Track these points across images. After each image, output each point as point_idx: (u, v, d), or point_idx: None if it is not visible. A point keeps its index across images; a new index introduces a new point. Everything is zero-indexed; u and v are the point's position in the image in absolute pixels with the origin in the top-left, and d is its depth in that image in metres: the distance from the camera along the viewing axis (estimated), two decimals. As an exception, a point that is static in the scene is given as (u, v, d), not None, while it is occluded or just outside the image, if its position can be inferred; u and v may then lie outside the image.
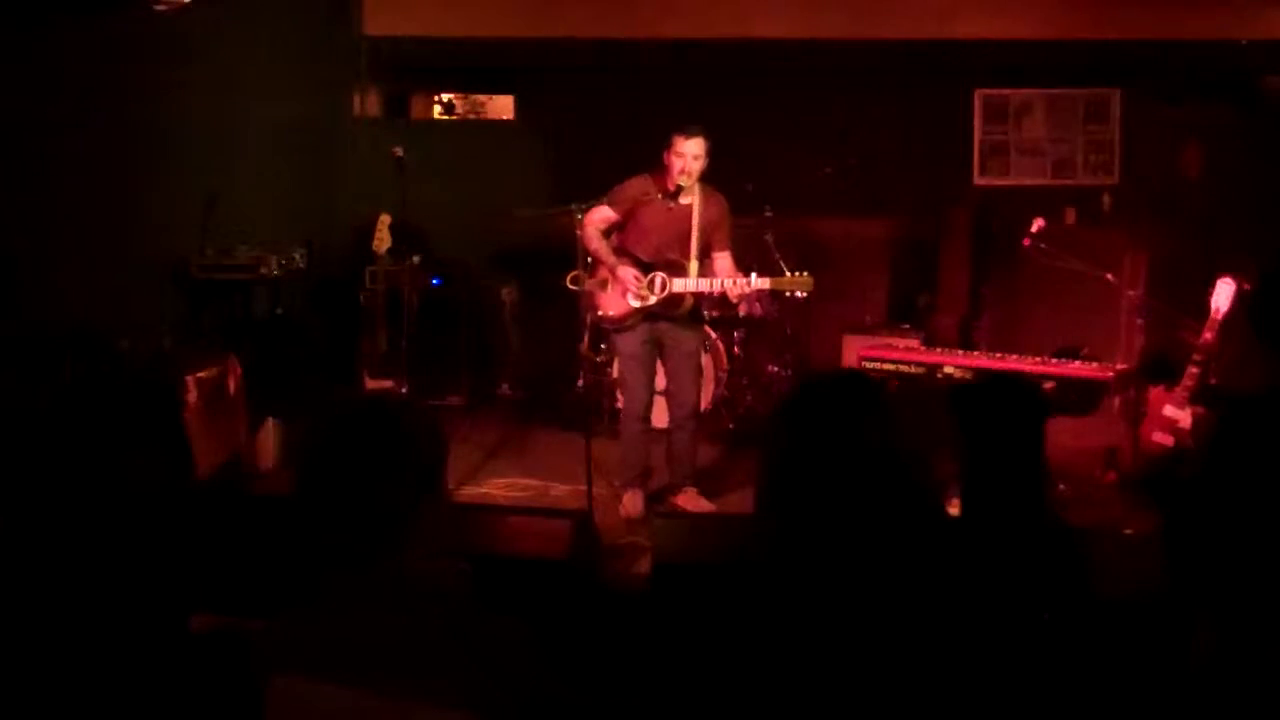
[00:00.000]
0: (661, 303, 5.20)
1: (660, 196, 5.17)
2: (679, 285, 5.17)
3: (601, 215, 5.22)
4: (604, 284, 5.28)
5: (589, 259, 5.21)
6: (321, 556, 1.81)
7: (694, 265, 5.18)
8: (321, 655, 1.75)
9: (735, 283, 5.11)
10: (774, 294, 6.94)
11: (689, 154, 5.05)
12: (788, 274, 5.16)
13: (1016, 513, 1.83)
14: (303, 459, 1.85)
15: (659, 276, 5.18)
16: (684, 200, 5.17)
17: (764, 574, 1.75)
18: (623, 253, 5.26)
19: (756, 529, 1.79)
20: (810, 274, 5.13)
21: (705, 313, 5.85)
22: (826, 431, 1.73)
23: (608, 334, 5.54)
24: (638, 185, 5.22)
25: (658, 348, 5.35)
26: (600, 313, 5.33)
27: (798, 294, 5.16)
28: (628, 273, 5.18)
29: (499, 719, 1.70)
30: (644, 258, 5.22)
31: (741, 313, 6.99)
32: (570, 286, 5.21)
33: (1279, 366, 2.41)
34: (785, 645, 1.67)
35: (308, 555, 1.81)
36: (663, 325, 5.29)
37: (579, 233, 5.07)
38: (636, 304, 5.21)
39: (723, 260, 5.24)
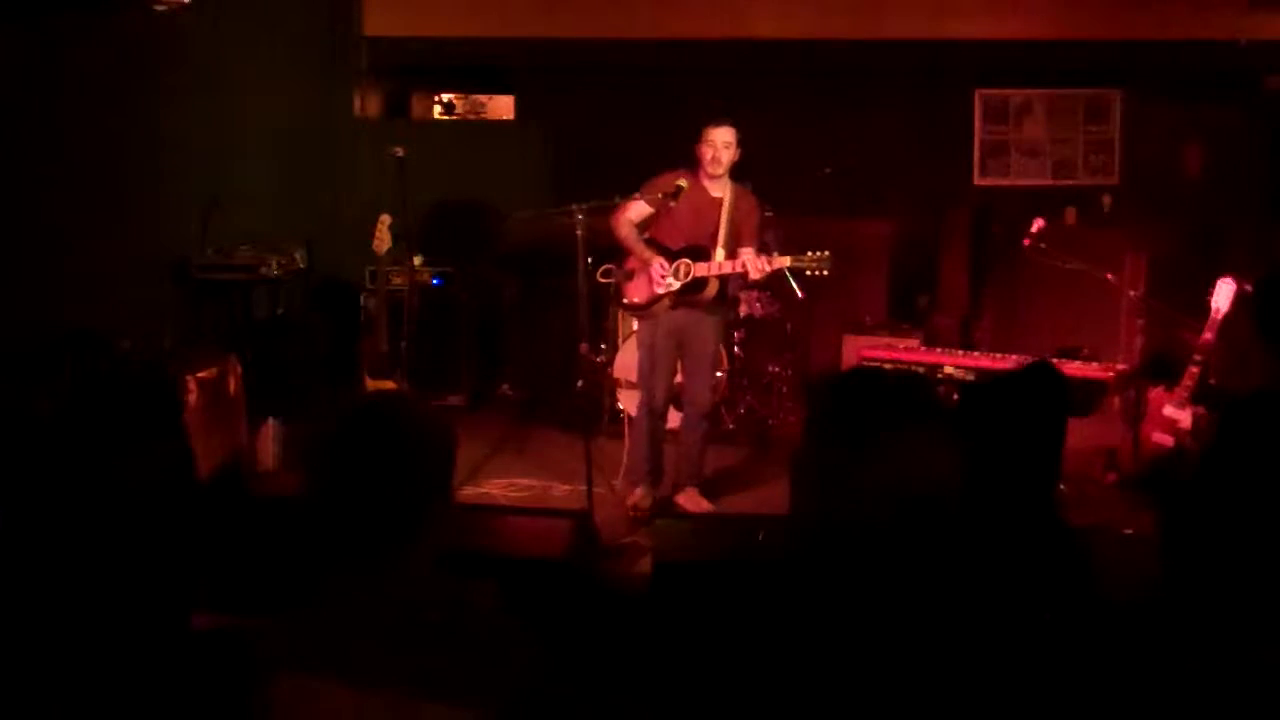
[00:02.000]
0: (685, 287, 5.23)
1: (665, 196, 5.19)
2: (702, 269, 5.21)
3: (636, 208, 5.28)
4: (630, 274, 5.36)
5: (588, 260, 5.22)
6: (328, 555, 1.81)
7: (720, 253, 5.22)
8: (327, 653, 1.75)
9: (756, 260, 5.14)
10: (775, 293, 7.00)
11: (718, 141, 5.13)
12: (807, 254, 5.17)
13: (1025, 508, 1.82)
14: (313, 457, 1.85)
15: (683, 263, 5.22)
16: (715, 194, 5.23)
17: (794, 573, 1.75)
18: (653, 244, 5.30)
19: (792, 528, 1.78)
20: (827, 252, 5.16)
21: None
22: (879, 434, 1.73)
23: (630, 319, 5.63)
24: (671, 179, 5.24)
25: (678, 342, 5.36)
26: (626, 300, 5.42)
27: (817, 272, 5.17)
28: (654, 261, 5.24)
29: (504, 719, 1.70)
30: (674, 249, 5.26)
31: (742, 313, 6.99)
32: (601, 279, 5.28)
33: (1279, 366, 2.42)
34: (806, 644, 1.67)
35: (311, 554, 1.81)
36: (685, 319, 5.30)
37: (610, 221, 5.18)
38: (660, 290, 5.25)
39: (748, 254, 5.27)
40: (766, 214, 6.94)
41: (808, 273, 5.22)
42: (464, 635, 1.74)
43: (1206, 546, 2.19)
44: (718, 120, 5.17)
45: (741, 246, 5.27)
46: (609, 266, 5.30)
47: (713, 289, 5.27)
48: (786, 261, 5.16)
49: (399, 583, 1.79)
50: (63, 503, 2.13)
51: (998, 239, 7.77)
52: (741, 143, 5.20)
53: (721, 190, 5.24)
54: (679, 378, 5.53)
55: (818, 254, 5.15)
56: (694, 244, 5.24)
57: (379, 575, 1.80)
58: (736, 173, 5.34)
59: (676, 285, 5.23)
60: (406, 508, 1.80)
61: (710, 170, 5.17)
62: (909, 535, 1.70)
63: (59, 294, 5.11)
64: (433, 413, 1.92)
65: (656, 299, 5.29)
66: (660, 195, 5.19)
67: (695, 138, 5.22)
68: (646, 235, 5.36)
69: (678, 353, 5.42)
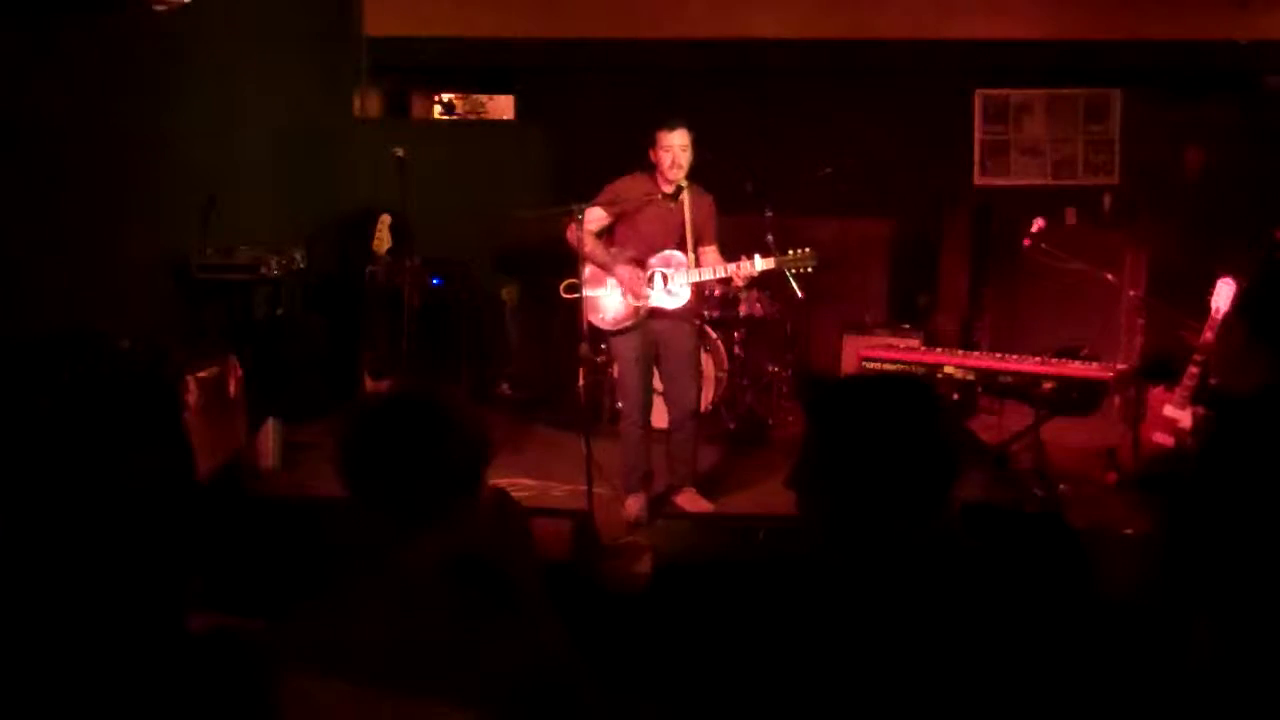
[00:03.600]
0: (663, 298, 5.20)
1: (651, 194, 5.16)
2: (680, 278, 5.17)
3: (593, 218, 5.21)
4: (602, 287, 5.27)
5: (585, 263, 5.19)
6: (350, 551, 1.81)
7: (691, 258, 5.19)
8: (332, 653, 1.75)
9: (738, 266, 5.11)
10: (775, 293, 6.99)
11: (676, 145, 5.05)
12: (790, 252, 5.14)
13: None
14: (342, 447, 1.84)
15: (658, 272, 5.18)
16: (676, 197, 5.18)
17: (802, 571, 1.75)
18: (617, 252, 5.26)
19: (801, 526, 1.78)
20: (811, 249, 5.12)
21: (705, 313, 5.84)
22: (880, 433, 1.72)
23: (606, 336, 5.53)
24: (629, 184, 5.21)
25: (655, 349, 5.34)
26: (600, 316, 5.29)
27: (803, 270, 5.13)
28: (627, 271, 5.17)
29: (512, 718, 1.70)
30: (638, 256, 5.22)
31: (742, 312, 6.99)
32: (565, 295, 5.19)
33: (1273, 366, 2.41)
34: (807, 644, 1.67)
35: (313, 553, 1.82)
36: (661, 325, 5.27)
37: (569, 237, 5.07)
38: (637, 303, 5.20)
39: (710, 253, 5.25)
40: (767, 214, 6.96)
41: (795, 271, 5.18)
42: (467, 634, 1.74)
43: (1206, 544, 2.19)
44: (671, 124, 5.05)
45: (701, 245, 5.24)
46: (573, 282, 5.10)
47: (689, 296, 5.25)
48: (770, 263, 5.11)
49: (404, 581, 1.79)
50: (62, 502, 2.13)
51: (998, 239, 7.77)
52: (696, 143, 5.09)
53: (681, 193, 5.17)
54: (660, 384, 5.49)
55: (801, 252, 5.11)
56: (660, 249, 5.19)
57: (387, 573, 1.80)
58: (711, 176, 5.28)
59: (653, 296, 5.19)
60: (428, 502, 1.80)
61: (670, 175, 5.07)
62: (910, 540, 1.70)
63: (59, 294, 5.10)
64: (472, 413, 1.91)
65: (633, 314, 5.21)
66: (650, 194, 5.16)
67: (651, 141, 5.10)
68: (607, 245, 5.28)
69: (656, 360, 5.38)
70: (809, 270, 5.12)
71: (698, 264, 5.19)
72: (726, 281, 5.24)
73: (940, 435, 1.74)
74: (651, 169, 5.15)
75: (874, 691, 1.62)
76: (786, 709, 1.66)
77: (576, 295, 5.14)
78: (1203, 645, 2.16)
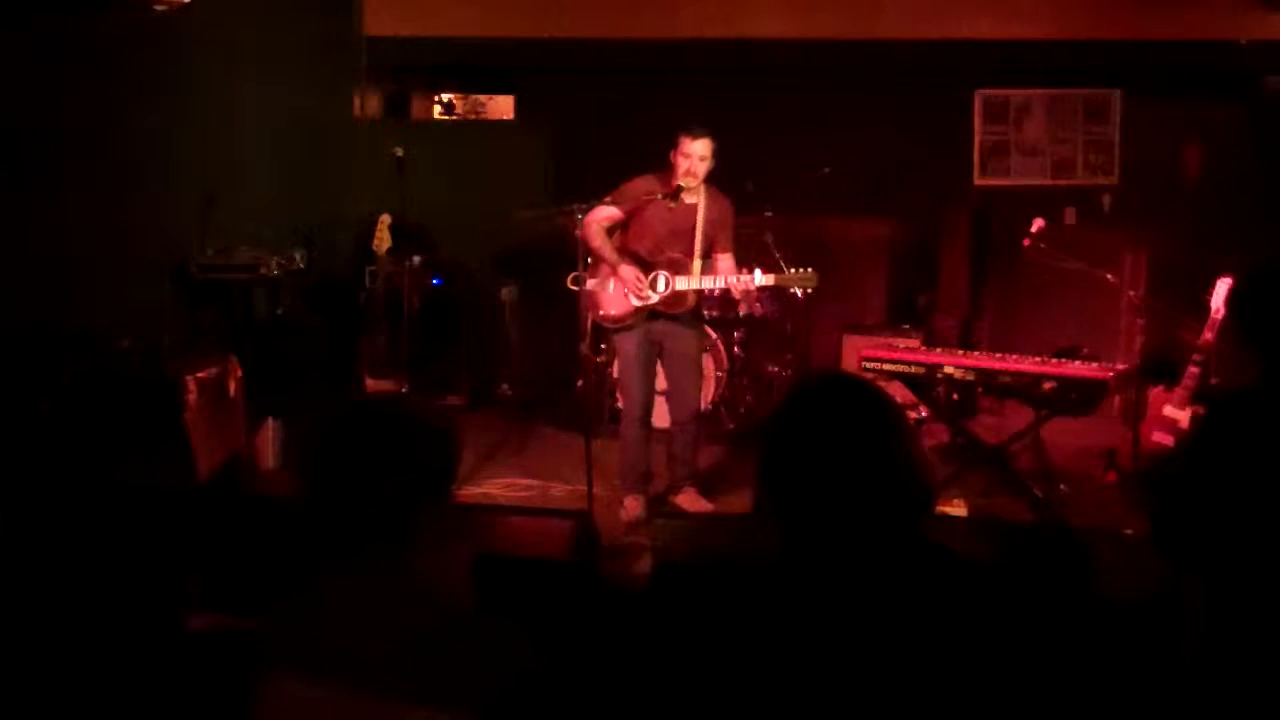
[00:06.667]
0: (664, 301, 5.19)
1: (665, 196, 5.16)
2: (682, 284, 5.16)
3: (605, 213, 5.21)
4: (605, 283, 5.28)
5: (589, 258, 5.20)
6: (321, 555, 1.81)
7: (697, 264, 5.18)
8: (316, 655, 1.75)
9: (739, 280, 5.11)
10: (775, 294, 7.00)
11: (695, 154, 5.06)
12: (791, 270, 5.15)
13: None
14: (305, 458, 1.85)
15: (661, 275, 5.18)
16: (689, 200, 5.17)
17: (766, 574, 1.75)
18: (625, 251, 5.26)
19: (757, 528, 1.78)
20: (814, 269, 5.12)
21: (705, 313, 5.84)
22: (827, 435, 1.73)
23: (608, 334, 5.53)
24: (643, 184, 5.21)
25: (658, 349, 5.34)
26: (601, 312, 5.30)
27: (804, 290, 5.13)
28: (630, 272, 5.17)
29: None
30: (646, 256, 5.22)
31: (742, 312, 6.99)
32: (571, 286, 5.19)
33: (1266, 365, 2.42)
34: (786, 645, 1.67)
35: (305, 556, 1.81)
36: (663, 325, 5.28)
37: (579, 231, 5.07)
38: (638, 303, 5.20)
39: (725, 261, 5.24)
40: (766, 214, 6.96)
41: (791, 291, 5.18)
42: (453, 637, 1.74)
43: (1196, 537, 2.20)
44: (696, 132, 5.05)
45: (717, 252, 5.25)
46: (578, 274, 5.11)
47: (691, 301, 5.24)
48: (770, 280, 5.10)
49: (389, 584, 1.79)
50: (62, 502, 2.13)
51: (998, 239, 7.77)
52: (716, 153, 5.10)
53: (695, 195, 5.17)
54: (663, 384, 5.49)
55: (802, 271, 5.11)
56: (668, 251, 5.19)
57: (368, 576, 1.79)
58: (718, 178, 5.28)
59: (655, 299, 5.19)
60: (396, 510, 1.80)
61: (685, 183, 5.07)
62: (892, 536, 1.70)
63: (59, 294, 5.10)
64: (429, 416, 1.91)
65: (634, 313, 5.22)
66: (664, 195, 5.17)
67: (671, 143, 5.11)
68: (617, 243, 5.28)
69: (658, 359, 5.37)
70: (809, 291, 5.11)
71: (707, 271, 5.19)
72: (726, 292, 5.24)
73: (886, 446, 1.72)
74: (668, 170, 5.15)
75: (870, 691, 1.62)
76: (786, 709, 1.66)
77: (581, 288, 5.15)
78: (1197, 635, 2.17)
